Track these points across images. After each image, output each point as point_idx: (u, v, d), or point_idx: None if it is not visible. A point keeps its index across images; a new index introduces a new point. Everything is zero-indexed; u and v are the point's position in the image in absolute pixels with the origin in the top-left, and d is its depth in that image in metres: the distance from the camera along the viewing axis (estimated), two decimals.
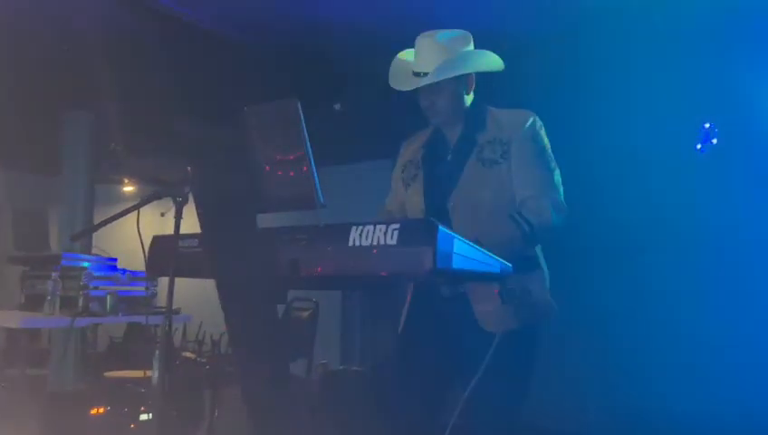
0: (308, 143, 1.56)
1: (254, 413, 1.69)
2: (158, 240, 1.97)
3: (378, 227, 1.49)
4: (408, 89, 2.07)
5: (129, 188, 8.19)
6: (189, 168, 1.56)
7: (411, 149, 2.21)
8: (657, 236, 3.70)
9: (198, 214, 1.77)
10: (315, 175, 1.57)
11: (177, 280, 3.78)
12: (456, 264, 1.46)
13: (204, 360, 7.02)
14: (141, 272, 3.69)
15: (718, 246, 3.50)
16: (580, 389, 3.87)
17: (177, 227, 1.83)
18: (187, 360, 5.72)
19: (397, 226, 1.46)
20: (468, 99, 2.08)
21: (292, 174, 1.60)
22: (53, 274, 3.27)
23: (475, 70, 2.06)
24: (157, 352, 3.37)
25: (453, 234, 1.46)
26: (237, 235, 1.66)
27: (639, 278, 3.68)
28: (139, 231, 1.84)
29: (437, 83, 2.00)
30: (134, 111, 5.14)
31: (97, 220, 5.56)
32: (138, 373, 4.03)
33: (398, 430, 2.05)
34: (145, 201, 1.82)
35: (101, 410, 2.86)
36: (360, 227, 1.51)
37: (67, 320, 3.12)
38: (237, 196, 1.65)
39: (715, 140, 3.55)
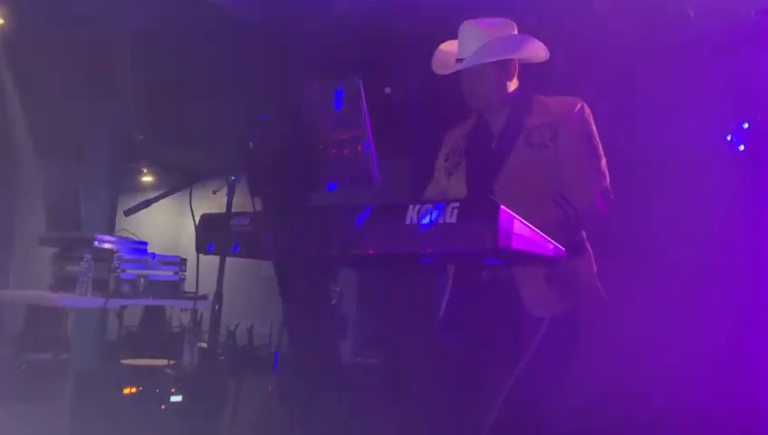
0: (368, 122, 1.58)
1: (304, 390, 1.71)
2: (207, 218, 1.99)
3: (435, 205, 1.50)
4: (447, 72, 2.09)
5: (147, 178, 8.24)
6: (251, 143, 1.58)
7: (454, 139, 2.23)
8: (681, 233, 3.69)
9: (251, 192, 1.80)
10: (374, 154, 1.59)
11: (193, 268, 3.81)
12: (516, 244, 1.47)
13: (219, 350, 7.06)
14: (169, 256, 3.73)
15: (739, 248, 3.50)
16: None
17: (229, 205, 1.85)
18: (202, 350, 5.76)
19: (456, 204, 1.47)
20: (511, 85, 2.10)
21: (349, 152, 1.63)
22: (86, 256, 3.29)
23: (512, 56, 2.08)
24: (187, 335, 3.41)
25: (513, 213, 1.47)
26: (293, 213, 1.67)
27: (659, 274, 3.67)
28: (191, 208, 1.86)
29: (477, 69, 2.02)
30: (159, 99, 5.17)
31: (122, 209, 5.62)
32: (156, 362, 4.06)
33: (440, 418, 2.06)
34: (197, 178, 1.85)
35: (134, 389, 2.89)
36: (418, 206, 1.52)
37: (100, 300, 3.15)
38: (294, 173, 1.67)
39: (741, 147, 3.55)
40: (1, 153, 5.21)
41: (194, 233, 2.01)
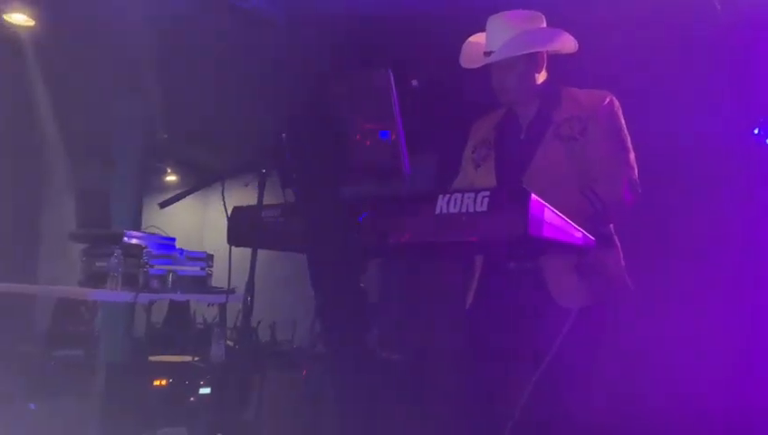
0: (398, 113, 1.60)
1: (341, 385, 1.74)
2: (239, 211, 2.03)
3: (466, 194, 1.52)
4: (475, 66, 2.11)
5: (171, 178, 8.35)
6: (283, 135, 1.61)
7: (483, 130, 2.24)
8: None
9: (283, 185, 1.82)
10: (404, 145, 1.61)
11: (217, 265, 3.83)
12: (547, 232, 1.49)
13: (240, 346, 7.13)
14: (197, 252, 3.78)
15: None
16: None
17: (261, 197, 1.88)
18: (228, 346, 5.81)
19: (486, 192, 1.49)
20: (540, 77, 2.11)
21: (379, 144, 1.65)
22: (116, 251, 3.35)
23: (541, 48, 2.09)
24: (216, 329, 3.47)
25: (543, 202, 1.49)
26: (324, 204, 1.70)
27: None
28: (224, 201, 1.89)
29: (507, 61, 2.03)
30: (184, 99, 5.24)
31: (146, 207, 5.71)
32: (182, 358, 4.12)
33: (466, 410, 2.08)
34: (231, 172, 1.88)
35: (163, 382, 2.95)
36: (448, 196, 1.55)
37: (130, 295, 3.20)
38: (325, 165, 1.70)
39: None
40: (30, 152, 5.32)
41: (218, 229, 2.05)
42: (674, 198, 3.64)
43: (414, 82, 1.90)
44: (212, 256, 3.81)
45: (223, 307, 3.60)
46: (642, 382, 3.63)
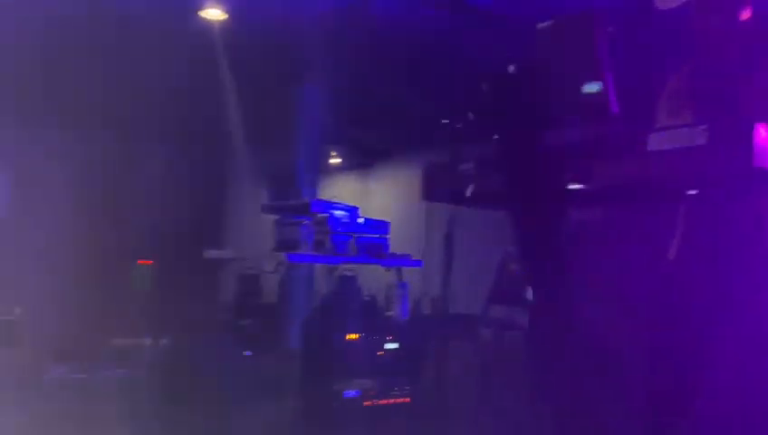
0: (602, 54, 1.60)
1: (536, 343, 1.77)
2: (433, 166, 2.11)
3: (681, 129, 1.48)
4: (672, 6, 2.02)
5: (335, 160, 8.81)
6: (484, 84, 1.67)
7: (679, 77, 2.14)
8: None
9: (480, 136, 1.88)
10: (610, 84, 1.60)
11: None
12: None
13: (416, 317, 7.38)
14: (376, 220, 4.00)
15: None
16: None
17: (456, 151, 1.95)
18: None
19: (705, 125, 1.44)
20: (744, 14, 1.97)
21: (585, 84, 1.65)
22: (306, 220, 3.65)
23: None
24: (398, 290, 3.67)
25: None
26: (528, 149, 1.74)
27: None
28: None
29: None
30: (358, 85, 5.45)
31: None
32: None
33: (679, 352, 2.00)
34: (429, 133, 1.98)
35: (355, 336, 3.19)
36: (661, 132, 1.51)
37: (322, 257, 3.48)
38: (525, 113, 1.73)
39: None
40: (221, 139, 5.88)
41: (375, 206, 2.16)
42: None
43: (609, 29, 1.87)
44: (388, 223, 4.01)
45: (400, 270, 3.80)
46: None
